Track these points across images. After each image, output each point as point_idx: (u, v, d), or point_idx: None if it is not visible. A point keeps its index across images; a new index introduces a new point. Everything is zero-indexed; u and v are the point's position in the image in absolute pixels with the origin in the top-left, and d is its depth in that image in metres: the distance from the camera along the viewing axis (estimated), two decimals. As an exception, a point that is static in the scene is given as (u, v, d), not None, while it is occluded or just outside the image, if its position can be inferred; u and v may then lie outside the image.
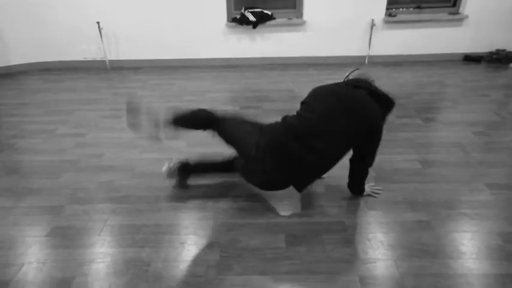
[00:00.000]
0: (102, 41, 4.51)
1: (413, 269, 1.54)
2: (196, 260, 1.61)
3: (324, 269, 1.55)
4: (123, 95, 3.70)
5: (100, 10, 4.37)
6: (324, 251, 1.65)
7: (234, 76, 4.26)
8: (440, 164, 2.33)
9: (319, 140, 1.65)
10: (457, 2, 4.47)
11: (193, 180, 2.16)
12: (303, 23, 4.42)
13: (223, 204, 1.99)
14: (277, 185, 1.79)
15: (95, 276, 1.53)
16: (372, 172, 2.23)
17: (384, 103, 1.74)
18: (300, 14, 4.48)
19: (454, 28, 4.50)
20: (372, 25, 4.44)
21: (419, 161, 2.37)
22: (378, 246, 1.68)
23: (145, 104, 2.03)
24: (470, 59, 4.58)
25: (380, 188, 2.06)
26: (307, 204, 1.98)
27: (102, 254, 1.65)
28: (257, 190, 2.09)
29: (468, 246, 1.67)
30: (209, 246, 1.69)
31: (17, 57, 4.54)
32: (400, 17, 4.44)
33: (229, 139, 1.86)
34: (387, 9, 4.46)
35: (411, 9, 4.59)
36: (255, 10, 4.46)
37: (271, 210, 1.93)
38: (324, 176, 2.03)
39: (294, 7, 4.53)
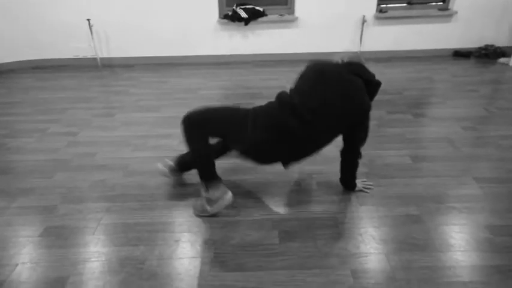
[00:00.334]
0: (92, 38, 4.47)
1: (404, 262, 1.58)
2: (191, 257, 1.63)
3: (316, 263, 1.58)
4: (116, 93, 3.69)
5: (90, 7, 4.33)
6: (317, 246, 1.67)
7: (226, 73, 4.26)
8: (430, 158, 2.37)
9: (315, 118, 1.66)
10: (447, -3, 4.52)
11: (189, 174, 2.18)
12: (294, 20, 4.44)
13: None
14: (275, 158, 1.80)
15: (90, 276, 1.54)
16: (363, 168, 2.27)
17: (374, 89, 1.79)
18: (291, 11, 4.49)
19: (444, 24, 4.55)
20: (363, 21, 4.47)
21: (409, 156, 2.41)
22: (370, 241, 1.71)
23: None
24: (460, 54, 4.64)
25: (371, 183, 2.10)
26: (299, 200, 2.00)
27: (96, 253, 1.66)
28: (250, 187, 2.11)
29: (457, 239, 1.70)
30: (203, 243, 1.71)
31: (7, 55, 4.49)
32: (390, 13, 4.48)
33: (221, 133, 1.81)
34: (378, 5, 4.49)
35: (402, 5, 4.62)
36: (247, 7, 4.45)
37: (264, 207, 1.95)
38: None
39: (286, 4, 4.53)
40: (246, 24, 4.44)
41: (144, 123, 2.98)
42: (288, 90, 1.82)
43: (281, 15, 4.47)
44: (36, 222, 1.86)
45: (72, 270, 1.56)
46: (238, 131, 1.72)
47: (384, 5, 4.57)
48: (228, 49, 4.67)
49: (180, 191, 2.10)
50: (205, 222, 1.84)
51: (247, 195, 2.05)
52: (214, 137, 1.83)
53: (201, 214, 1.88)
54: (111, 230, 1.80)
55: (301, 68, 1.81)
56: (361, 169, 2.25)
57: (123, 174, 2.27)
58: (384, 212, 1.90)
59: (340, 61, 1.81)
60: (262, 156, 1.78)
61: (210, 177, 1.81)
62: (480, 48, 4.59)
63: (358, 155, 1.89)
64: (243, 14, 4.39)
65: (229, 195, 1.83)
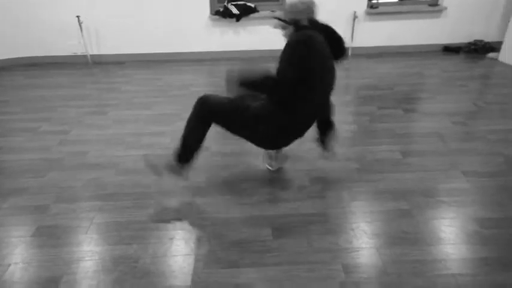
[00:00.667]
0: (82, 35, 4.42)
1: (395, 256, 1.61)
2: (184, 255, 1.64)
3: (309, 259, 1.60)
4: (108, 90, 3.66)
5: (79, 4, 4.28)
6: (309, 242, 1.69)
7: (219, 70, 4.25)
8: (420, 153, 2.41)
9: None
10: (437, -7, 4.55)
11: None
12: (286, 16, 4.43)
13: (210, 198, 2.01)
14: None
15: (83, 275, 1.54)
16: (354, 164, 2.29)
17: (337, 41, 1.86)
18: (283, 7, 4.48)
19: (434, 20, 4.58)
20: (354, 17, 4.48)
21: (400, 151, 2.44)
22: (361, 235, 1.73)
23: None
24: (450, 49, 4.68)
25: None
26: (292, 197, 2.02)
27: (89, 252, 1.66)
28: (242, 184, 2.13)
29: (446, 232, 1.74)
30: (197, 241, 1.72)
31: (-5, 53, 4.43)
32: (381, 9, 4.50)
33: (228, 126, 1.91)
34: (369, 1, 4.51)
35: (393, 1, 4.65)
36: (238, 3, 4.44)
37: (257, 203, 1.97)
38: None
39: (277, 0, 4.53)
40: (238, 20, 4.43)
41: (136, 120, 2.97)
42: None
43: (273, 11, 4.46)
44: (29, 222, 1.85)
45: (66, 270, 1.56)
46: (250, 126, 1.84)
47: (375, 1, 4.59)
48: (220, 45, 4.65)
49: (172, 189, 2.10)
50: (199, 220, 1.85)
51: (239, 192, 2.06)
52: (218, 125, 1.91)
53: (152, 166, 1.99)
54: (104, 228, 1.80)
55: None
56: (352, 165, 2.28)
57: (116, 172, 2.27)
58: (375, 206, 1.92)
59: (307, 23, 1.80)
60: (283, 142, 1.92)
61: (184, 160, 1.94)
62: (469, 43, 4.64)
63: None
64: (235, 10, 4.38)
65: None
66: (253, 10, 4.44)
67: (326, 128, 2.11)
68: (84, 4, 4.29)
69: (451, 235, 1.72)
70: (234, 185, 2.13)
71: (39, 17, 4.32)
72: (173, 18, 4.45)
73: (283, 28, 1.86)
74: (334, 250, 1.65)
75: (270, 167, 2.26)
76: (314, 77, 1.71)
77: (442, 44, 4.75)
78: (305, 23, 1.78)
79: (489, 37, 4.65)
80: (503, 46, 4.24)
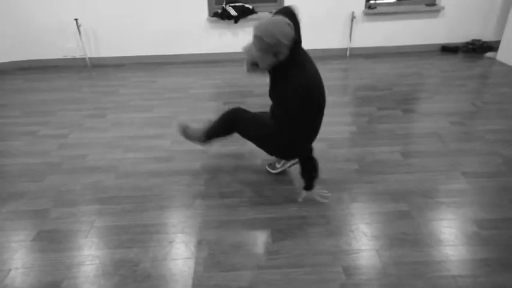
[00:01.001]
0: (81, 38, 4.42)
1: (394, 258, 1.61)
2: (185, 258, 1.64)
3: (309, 261, 1.60)
4: (106, 93, 3.66)
5: (78, 7, 4.27)
6: (309, 244, 1.70)
7: (217, 71, 4.26)
8: (419, 154, 2.41)
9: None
10: (434, -7, 4.56)
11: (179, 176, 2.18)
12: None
13: (210, 201, 2.02)
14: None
15: (84, 279, 1.54)
16: (354, 165, 2.30)
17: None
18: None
19: (431, 19, 4.58)
20: (352, 17, 4.49)
21: (399, 152, 2.44)
22: (361, 237, 1.74)
23: None
24: (447, 49, 4.69)
25: (326, 192, 1.99)
26: (291, 199, 2.02)
27: (90, 256, 1.66)
28: (242, 187, 2.13)
29: (446, 233, 1.74)
30: (197, 244, 1.72)
31: (-7, 56, 4.42)
32: (379, 9, 4.50)
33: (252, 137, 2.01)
34: (367, 1, 4.51)
35: (390, 1, 4.66)
36: (236, 4, 4.44)
37: (256, 206, 1.97)
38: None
39: (275, 1, 4.53)
40: (236, 22, 4.43)
41: (135, 123, 2.97)
42: None
43: (271, 12, 4.46)
44: (29, 227, 1.85)
45: (66, 274, 1.57)
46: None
47: (373, 1, 4.59)
48: (218, 47, 4.65)
49: (172, 192, 2.10)
50: (199, 223, 1.86)
51: (241, 195, 2.07)
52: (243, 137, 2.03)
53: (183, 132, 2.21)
54: (104, 232, 1.80)
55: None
56: (351, 166, 2.29)
57: (115, 176, 2.27)
58: (374, 208, 1.93)
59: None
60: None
61: (208, 138, 2.14)
62: (467, 43, 4.64)
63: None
64: (233, 12, 4.38)
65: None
66: (251, 11, 4.44)
67: (307, 164, 1.83)
68: (82, 7, 4.28)
69: (450, 236, 1.72)
70: (234, 187, 2.13)
71: (38, 20, 4.31)
72: (171, 20, 4.44)
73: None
74: (334, 252, 1.65)
75: (271, 170, 2.26)
76: (320, 111, 1.72)
77: (440, 44, 4.75)
78: (286, 50, 1.57)
79: (487, 36, 4.65)
80: (500, 45, 4.25)
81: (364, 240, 1.72)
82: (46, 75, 4.28)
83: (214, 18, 4.41)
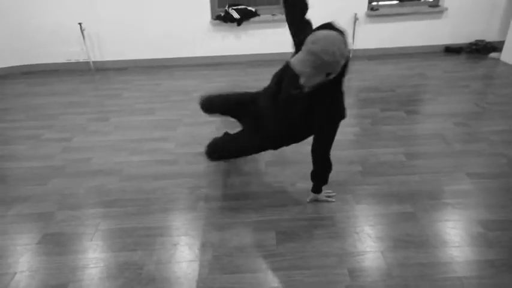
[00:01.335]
0: (84, 42, 4.45)
1: (399, 260, 1.60)
2: (189, 261, 1.64)
3: (314, 263, 1.60)
4: (109, 96, 3.67)
5: (82, 11, 4.30)
6: (314, 246, 1.69)
7: (220, 74, 4.26)
8: (423, 155, 2.40)
9: None
10: (437, -6, 4.56)
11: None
12: (286, 19, 4.44)
13: (214, 204, 2.02)
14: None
15: (89, 282, 1.55)
16: (357, 167, 2.29)
17: None
18: (283, 10, 4.49)
19: (435, 20, 4.58)
20: (355, 19, 4.49)
21: (403, 153, 2.43)
22: (366, 239, 1.73)
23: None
24: (451, 50, 4.67)
25: (334, 193, 2.05)
26: (295, 200, 2.02)
27: (95, 259, 1.66)
28: (246, 189, 2.13)
29: (451, 235, 1.73)
30: (201, 247, 1.72)
31: (-2, 61, 4.45)
32: (382, 10, 4.50)
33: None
34: (369, 3, 4.51)
35: (393, 2, 4.65)
36: (239, 7, 4.45)
37: (260, 208, 1.97)
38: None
39: (278, 3, 4.54)
40: (239, 24, 4.44)
41: (139, 126, 2.98)
42: None
43: (273, 14, 4.47)
44: (34, 230, 1.86)
45: (71, 277, 1.57)
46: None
47: (375, 3, 4.59)
48: (221, 50, 4.66)
49: (176, 195, 2.10)
50: (203, 225, 1.86)
51: (244, 197, 2.07)
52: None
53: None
54: (108, 235, 1.81)
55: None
56: (355, 168, 2.28)
57: (119, 179, 2.27)
58: (379, 210, 1.92)
59: None
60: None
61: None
62: (471, 43, 4.63)
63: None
64: (235, 15, 4.39)
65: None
66: (254, 14, 4.45)
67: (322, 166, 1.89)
68: (86, 11, 4.31)
69: (455, 237, 1.71)
70: (238, 189, 2.13)
71: (41, 24, 4.34)
72: (175, 23, 4.46)
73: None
74: (339, 254, 1.64)
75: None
76: None
77: (443, 45, 4.74)
78: (339, 70, 1.50)
79: (490, 37, 4.64)
80: (505, 46, 4.23)
81: (369, 242, 1.71)
82: (49, 79, 4.31)
83: (217, 21, 4.43)
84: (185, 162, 2.42)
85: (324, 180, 1.93)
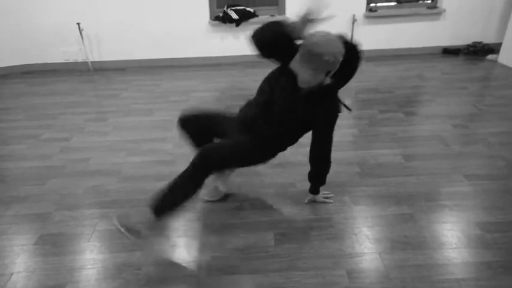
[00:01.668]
0: (83, 42, 4.44)
1: (397, 261, 1.60)
2: (187, 262, 1.64)
3: (312, 265, 1.60)
4: (108, 97, 3.67)
5: (80, 11, 4.29)
6: (312, 248, 1.69)
7: (219, 75, 4.27)
8: (421, 157, 2.41)
9: None
10: (435, -4, 4.57)
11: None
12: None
13: (212, 205, 2.02)
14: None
15: (86, 283, 1.54)
16: (356, 168, 2.29)
17: None
18: (282, 11, 4.50)
19: (433, 22, 4.59)
20: (353, 20, 4.49)
21: (402, 154, 2.44)
22: (364, 241, 1.73)
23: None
24: (449, 52, 4.69)
25: (331, 195, 2.04)
26: (293, 202, 2.02)
27: (92, 260, 1.66)
28: (244, 190, 2.13)
29: (449, 236, 1.74)
30: (199, 248, 1.72)
31: (-4, 60, 4.44)
32: (380, 12, 4.51)
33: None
34: (368, 4, 4.52)
35: (391, 4, 4.66)
36: (238, 8, 4.45)
37: (259, 209, 1.97)
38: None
39: (276, 4, 4.54)
40: (237, 25, 4.44)
41: (137, 127, 2.97)
42: None
43: (272, 15, 4.48)
44: (31, 230, 1.85)
45: (69, 278, 1.57)
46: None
47: (374, 4, 4.60)
48: (220, 50, 4.66)
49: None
50: (201, 227, 1.85)
51: (242, 198, 2.07)
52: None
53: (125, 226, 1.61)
54: (106, 236, 1.80)
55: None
56: (353, 169, 2.29)
57: (117, 179, 2.27)
58: (377, 211, 1.92)
59: None
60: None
61: (165, 214, 1.63)
62: (468, 45, 4.64)
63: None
64: (234, 15, 4.39)
65: (155, 246, 1.70)
66: (253, 15, 4.45)
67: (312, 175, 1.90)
68: (84, 11, 4.30)
69: (453, 239, 1.72)
70: (236, 190, 2.13)
71: (40, 24, 4.33)
72: (173, 24, 4.46)
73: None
74: (337, 255, 1.65)
75: (210, 198, 2.02)
76: None
77: (441, 46, 4.75)
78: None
79: (488, 39, 4.65)
80: (502, 48, 4.25)
81: (367, 243, 1.71)
82: (47, 79, 4.30)
83: (216, 22, 4.43)
84: (183, 163, 2.39)
85: (322, 181, 1.92)
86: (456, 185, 2.11)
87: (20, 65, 4.57)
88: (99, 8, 4.31)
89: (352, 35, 4.58)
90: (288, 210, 1.95)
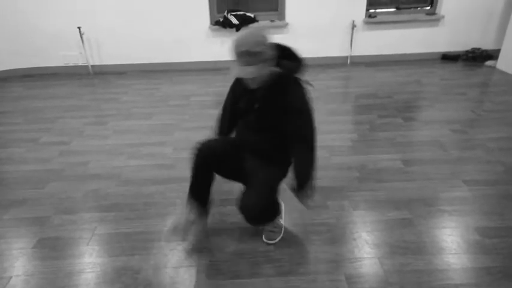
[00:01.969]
0: (83, 46, 4.46)
1: (396, 266, 1.60)
2: (186, 266, 1.63)
3: (311, 269, 1.60)
4: (107, 100, 3.68)
5: (81, 15, 4.31)
6: (312, 252, 1.69)
7: (219, 79, 4.28)
8: (420, 162, 2.41)
9: None
10: (434, 2, 4.60)
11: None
12: (285, 25, 4.47)
13: (212, 209, 2.01)
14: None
15: (85, 287, 1.54)
16: (355, 173, 2.30)
17: None
18: (282, 16, 4.52)
19: (432, 28, 4.62)
20: (353, 26, 4.52)
21: (400, 159, 2.44)
22: (363, 245, 1.73)
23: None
24: (448, 58, 4.71)
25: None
26: (293, 206, 2.01)
27: (91, 264, 1.65)
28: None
29: (448, 242, 1.74)
30: (198, 251, 1.71)
31: (-4, 64, 4.45)
32: (379, 18, 4.54)
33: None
34: (367, 10, 4.55)
35: (390, 10, 4.70)
36: (238, 13, 4.48)
37: (258, 213, 1.96)
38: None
39: (276, 9, 4.57)
40: (238, 30, 4.46)
41: (136, 131, 2.98)
42: None
43: (272, 21, 4.50)
44: (29, 234, 1.85)
45: (67, 282, 1.56)
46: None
47: (373, 10, 4.63)
48: (220, 55, 4.68)
49: (173, 199, 2.10)
50: (200, 230, 1.85)
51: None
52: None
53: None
54: (105, 240, 1.80)
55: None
56: (353, 174, 2.29)
57: (117, 183, 2.27)
58: (376, 216, 1.92)
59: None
60: None
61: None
62: (467, 51, 4.67)
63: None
64: (234, 20, 4.42)
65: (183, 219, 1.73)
66: (253, 20, 4.48)
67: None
68: (85, 15, 4.32)
69: (452, 244, 1.72)
70: (235, 195, 2.12)
71: (40, 28, 4.35)
72: (174, 28, 4.48)
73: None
74: (336, 260, 1.64)
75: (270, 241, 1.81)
76: None
77: (440, 52, 4.78)
78: (272, 53, 1.56)
79: (486, 45, 4.68)
80: (500, 54, 4.27)
81: (366, 248, 1.71)
82: (48, 83, 4.31)
83: (216, 27, 4.45)
84: (183, 167, 2.42)
85: (306, 174, 1.66)
86: (455, 190, 2.11)
87: (20, 69, 4.58)
88: (100, 12, 4.33)
89: (351, 41, 4.61)
90: (287, 215, 1.94)
